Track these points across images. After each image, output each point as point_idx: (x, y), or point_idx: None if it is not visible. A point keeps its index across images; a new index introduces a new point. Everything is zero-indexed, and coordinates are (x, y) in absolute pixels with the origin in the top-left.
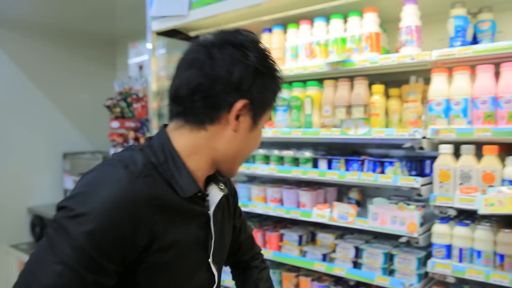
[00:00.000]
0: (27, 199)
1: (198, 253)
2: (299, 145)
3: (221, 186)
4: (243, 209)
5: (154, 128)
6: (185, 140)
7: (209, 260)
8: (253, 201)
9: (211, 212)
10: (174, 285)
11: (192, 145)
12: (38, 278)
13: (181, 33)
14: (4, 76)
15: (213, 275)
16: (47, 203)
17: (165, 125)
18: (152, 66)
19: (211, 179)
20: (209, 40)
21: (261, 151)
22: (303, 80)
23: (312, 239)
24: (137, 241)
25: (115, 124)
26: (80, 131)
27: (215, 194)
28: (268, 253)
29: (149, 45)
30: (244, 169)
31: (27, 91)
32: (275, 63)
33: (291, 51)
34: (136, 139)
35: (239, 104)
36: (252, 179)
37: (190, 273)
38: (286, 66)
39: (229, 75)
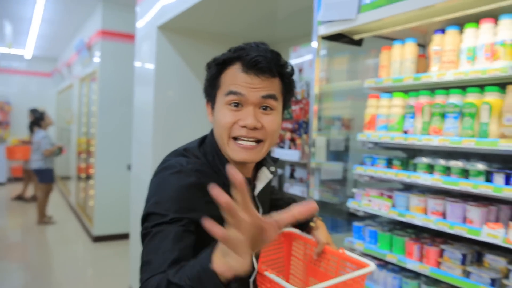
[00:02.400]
0: None
1: None
2: (450, 155)
3: (272, 169)
4: (399, 218)
5: (314, 130)
6: None
7: None
8: (412, 211)
9: (256, 193)
10: None
11: None
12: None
13: (345, 36)
14: (179, 77)
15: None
16: None
17: None
18: (316, 70)
19: (263, 163)
20: None
21: (424, 160)
22: (480, 85)
23: (478, 260)
24: (201, 211)
25: None
26: None
27: (262, 178)
28: (424, 268)
29: (314, 45)
30: (404, 177)
31: (196, 90)
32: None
33: (468, 53)
34: (292, 140)
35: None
36: (408, 187)
37: None
38: (460, 70)
39: None
